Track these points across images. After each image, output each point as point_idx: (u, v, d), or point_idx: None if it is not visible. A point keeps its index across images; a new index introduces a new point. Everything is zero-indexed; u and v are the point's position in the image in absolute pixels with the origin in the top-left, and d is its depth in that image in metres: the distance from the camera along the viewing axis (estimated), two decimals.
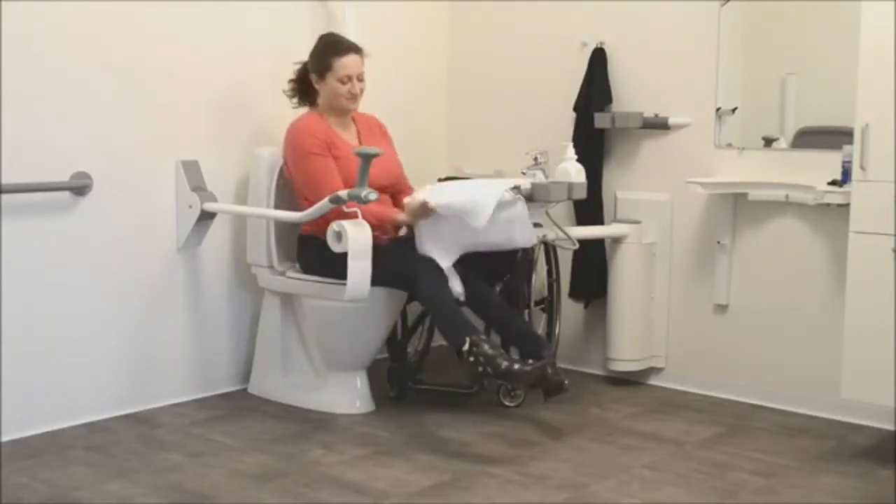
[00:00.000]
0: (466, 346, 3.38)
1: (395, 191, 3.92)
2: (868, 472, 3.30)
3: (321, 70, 3.79)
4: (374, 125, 3.99)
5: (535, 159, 4.02)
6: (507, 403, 3.90)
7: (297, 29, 4.21)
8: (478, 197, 3.56)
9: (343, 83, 3.78)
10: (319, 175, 3.72)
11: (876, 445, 3.57)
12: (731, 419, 3.83)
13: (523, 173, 4.00)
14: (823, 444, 3.56)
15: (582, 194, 3.95)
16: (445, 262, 3.62)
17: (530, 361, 3.45)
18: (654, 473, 3.27)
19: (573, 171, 3.94)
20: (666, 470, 3.30)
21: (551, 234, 4.03)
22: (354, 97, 3.82)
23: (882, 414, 3.65)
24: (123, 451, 3.40)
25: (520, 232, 3.68)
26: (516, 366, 3.36)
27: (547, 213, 3.99)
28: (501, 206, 3.58)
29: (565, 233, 4.03)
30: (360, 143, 3.85)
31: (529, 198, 3.72)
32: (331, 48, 3.81)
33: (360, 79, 3.81)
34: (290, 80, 3.92)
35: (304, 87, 3.90)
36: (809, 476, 3.27)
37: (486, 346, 3.37)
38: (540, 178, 3.94)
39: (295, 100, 3.93)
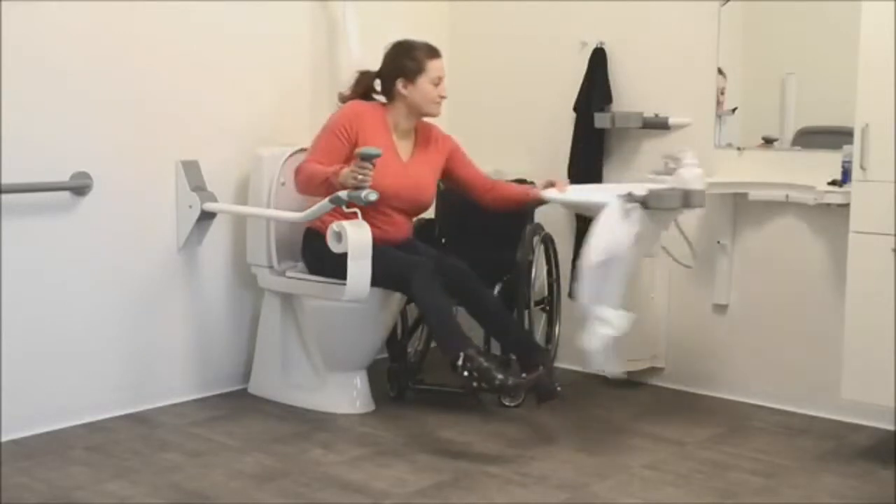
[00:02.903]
0: (461, 361, 3.36)
1: (421, 209, 3.88)
2: (868, 472, 3.30)
3: (412, 73, 3.72)
4: (433, 140, 3.87)
5: (666, 164, 3.81)
6: (507, 403, 3.90)
7: (297, 29, 4.22)
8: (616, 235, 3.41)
9: (435, 85, 3.75)
10: (318, 146, 3.70)
11: (876, 445, 3.57)
12: (731, 419, 3.83)
13: (651, 177, 3.83)
14: (823, 444, 3.56)
15: (701, 203, 3.59)
16: (610, 311, 3.37)
17: (523, 375, 3.45)
18: (654, 473, 3.27)
19: (690, 178, 3.58)
20: (666, 470, 3.30)
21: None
22: (441, 101, 3.78)
23: (882, 414, 3.65)
24: (123, 451, 3.40)
25: (650, 240, 3.62)
26: (510, 380, 3.36)
27: (676, 223, 3.82)
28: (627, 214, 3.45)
29: (690, 245, 3.92)
30: (411, 155, 3.81)
31: (644, 205, 3.51)
32: (423, 51, 3.75)
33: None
34: (352, 89, 3.84)
35: (363, 96, 3.83)
36: (809, 476, 3.27)
37: (480, 360, 3.35)
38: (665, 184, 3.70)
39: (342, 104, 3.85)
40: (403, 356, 4.09)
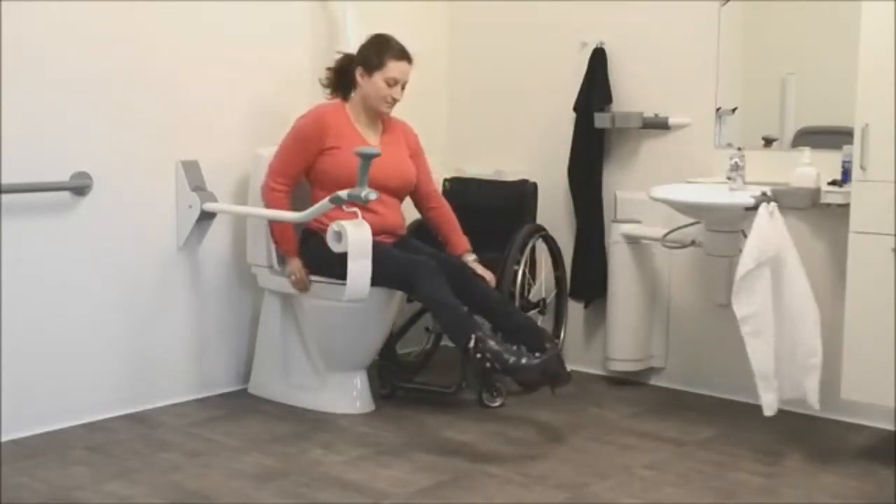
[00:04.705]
0: (472, 344, 3.38)
1: (406, 188, 3.91)
2: (868, 472, 3.30)
3: (372, 66, 3.77)
4: (400, 131, 3.94)
5: (736, 164, 3.74)
6: (491, 404, 3.89)
7: (297, 29, 4.22)
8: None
9: (389, 85, 3.77)
10: (283, 154, 3.75)
11: (876, 445, 3.57)
12: (731, 419, 3.83)
13: (729, 178, 3.78)
14: (823, 444, 3.56)
15: (817, 201, 3.61)
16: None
17: (537, 355, 3.44)
18: (654, 473, 3.27)
19: (815, 176, 3.60)
20: (666, 470, 3.30)
21: None
22: (393, 102, 3.81)
23: (882, 414, 3.65)
24: (123, 451, 3.40)
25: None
26: (523, 360, 3.36)
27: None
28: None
29: None
30: (380, 144, 3.82)
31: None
32: (390, 49, 3.79)
33: (404, 87, 3.82)
34: (329, 69, 3.90)
35: (342, 80, 3.88)
36: (809, 476, 3.27)
37: (491, 342, 3.38)
38: (740, 183, 3.73)
39: (328, 91, 3.90)
40: (393, 354, 4.09)
